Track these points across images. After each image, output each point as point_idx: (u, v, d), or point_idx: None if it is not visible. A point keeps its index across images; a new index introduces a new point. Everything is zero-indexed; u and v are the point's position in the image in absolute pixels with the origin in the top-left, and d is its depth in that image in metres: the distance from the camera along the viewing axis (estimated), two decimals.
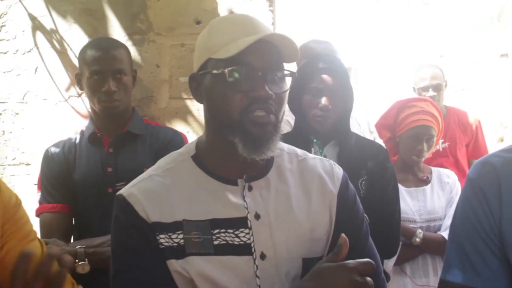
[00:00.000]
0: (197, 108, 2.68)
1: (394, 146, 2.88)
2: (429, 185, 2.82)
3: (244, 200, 1.30)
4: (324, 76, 2.10)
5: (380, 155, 2.25)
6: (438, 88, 3.81)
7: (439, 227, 2.76)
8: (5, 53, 2.78)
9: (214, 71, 1.26)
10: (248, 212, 1.30)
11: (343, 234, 1.19)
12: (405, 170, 2.83)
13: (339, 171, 1.44)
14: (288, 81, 1.31)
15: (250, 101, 1.24)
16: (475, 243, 1.26)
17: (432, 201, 2.78)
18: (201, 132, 2.67)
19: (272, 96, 1.24)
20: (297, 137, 2.06)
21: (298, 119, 2.22)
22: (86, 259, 2.03)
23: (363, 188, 2.10)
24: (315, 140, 2.15)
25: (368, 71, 6.40)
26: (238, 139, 1.26)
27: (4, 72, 2.79)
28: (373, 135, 3.87)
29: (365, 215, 1.47)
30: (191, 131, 2.67)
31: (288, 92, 1.32)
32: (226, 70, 1.23)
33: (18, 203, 1.13)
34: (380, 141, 3.05)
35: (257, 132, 1.25)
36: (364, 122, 3.82)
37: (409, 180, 2.83)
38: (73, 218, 2.26)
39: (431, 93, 3.76)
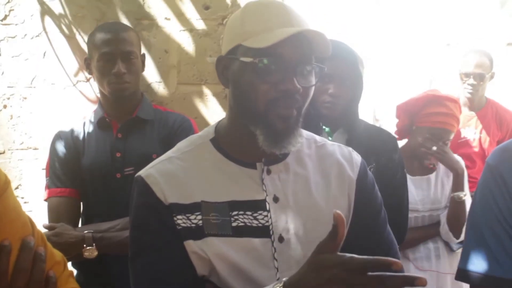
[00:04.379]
0: (205, 94, 2.68)
1: (406, 132, 2.87)
2: (433, 174, 2.81)
3: (263, 183, 1.31)
4: (334, 63, 2.09)
5: (389, 142, 2.26)
6: (480, 77, 3.68)
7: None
8: (14, 37, 2.78)
9: (244, 59, 1.24)
10: (267, 195, 1.30)
11: (335, 211, 1.04)
12: (413, 157, 2.82)
13: (357, 157, 1.45)
14: (316, 74, 1.28)
15: (278, 94, 1.23)
16: (495, 230, 1.25)
17: (436, 190, 2.78)
18: (209, 118, 2.67)
19: (300, 90, 1.23)
20: (306, 124, 2.06)
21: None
22: (94, 244, 2.04)
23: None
24: (324, 127, 2.15)
25: (375, 59, 6.38)
26: (259, 131, 1.25)
27: (13, 57, 2.78)
28: (378, 123, 3.85)
29: None
30: (199, 117, 2.67)
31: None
32: (256, 60, 1.21)
33: (7, 181, 1.12)
34: (387, 127, 3.04)
35: (280, 126, 1.24)
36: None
37: (415, 167, 2.81)
38: (81, 203, 2.27)
39: (471, 81, 3.66)
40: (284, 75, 1.22)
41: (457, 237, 2.68)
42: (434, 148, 2.70)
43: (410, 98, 2.87)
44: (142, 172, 1.33)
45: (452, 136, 2.77)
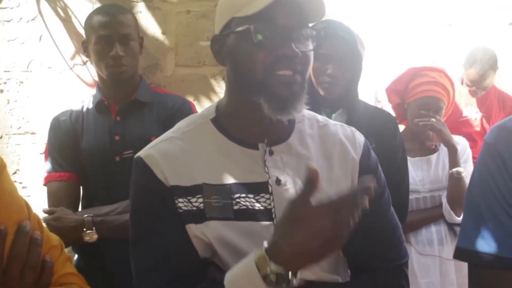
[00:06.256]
0: (204, 76, 2.65)
1: (403, 112, 2.84)
2: (435, 154, 2.78)
3: (265, 165, 1.28)
4: (333, 43, 2.07)
5: (389, 123, 2.24)
6: (484, 89, 3.73)
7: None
8: (9, 21, 2.75)
9: (238, 29, 1.22)
10: (269, 177, 1.27)
11: (309, 164, 1.05)
12: (413, 139, 2.79)
13: (360, 137, 1.42)
14: (313, 39, 1.25)
15: (275, 59, 1.20)
16: (493, 208, 1.23)
17: (437, 170, 2.74)
18: (207, 100, 2.65)
19: (299, 54, 1.20)
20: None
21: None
22: (94, 227, 2.04)
23: None
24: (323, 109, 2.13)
25: (377, 40, 6.34)
26: (263, 99, 1.22)
27: (8, 41, 2.75)
28: (380, 104, 3.83)
29: None
30: (197, 99, 2.65)
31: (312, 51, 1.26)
32: (251, 27, 1.19)
33: (2, 164, 1.11)
34: (388, 108, 3.01)
35: (283, 92, 1.21)
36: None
37: (415, 149, 2.78)
38: (81, 187, 2.26)
39: (474, 89, 3.72)
40: (281, 41, 1.19)
41: (458, 215, 2.64)
42: (432, 119, 2.67)
43: (394, 78, 2.85)
44: (141, 153, 1.29)
45: (442, 105, 2.72)
